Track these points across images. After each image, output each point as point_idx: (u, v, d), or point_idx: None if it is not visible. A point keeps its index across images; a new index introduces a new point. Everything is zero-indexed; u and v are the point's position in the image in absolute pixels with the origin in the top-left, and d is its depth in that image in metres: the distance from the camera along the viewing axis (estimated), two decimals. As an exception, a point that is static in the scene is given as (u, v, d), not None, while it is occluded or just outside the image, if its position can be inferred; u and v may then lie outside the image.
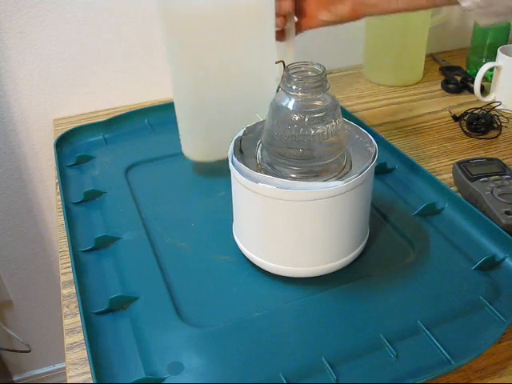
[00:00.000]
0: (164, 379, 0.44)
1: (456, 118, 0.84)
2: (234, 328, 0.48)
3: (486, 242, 0.56)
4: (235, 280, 0.54)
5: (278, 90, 0.49)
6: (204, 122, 0.66)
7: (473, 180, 0.63)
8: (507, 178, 0.63)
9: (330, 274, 0.52)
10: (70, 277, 0.55)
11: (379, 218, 0.60)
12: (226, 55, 0.61)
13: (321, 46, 1.02)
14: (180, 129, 0.69)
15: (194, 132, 0.68)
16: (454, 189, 0.65)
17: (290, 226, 0.49)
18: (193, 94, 0.65)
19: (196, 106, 0.65)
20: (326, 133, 0.46)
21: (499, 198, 0.60)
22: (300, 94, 0.46)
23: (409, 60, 0.97)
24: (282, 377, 0.43)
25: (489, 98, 0.88)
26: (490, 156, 0.75)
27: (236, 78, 0.61)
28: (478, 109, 0.85)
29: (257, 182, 0.47)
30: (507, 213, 0.58)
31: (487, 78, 0.92)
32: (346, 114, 0.80)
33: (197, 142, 0.69)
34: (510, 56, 0.85)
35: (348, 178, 0.47)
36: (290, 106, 0.46)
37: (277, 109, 0.47)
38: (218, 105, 0.60)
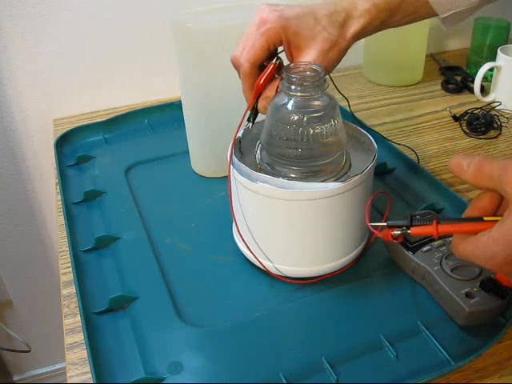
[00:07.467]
0: (164, 379, 0.44)
1: (456, 118, 0.84)
2: (233, 328, 0.48)
3: (486, 242, 0.56)
4: (235, 280, 0.54)
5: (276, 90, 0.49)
6: (213, 138, 0.67)
7: (414, 250, 0.50)
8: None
9: (330, 273, 0.52)
10: (70, 277, 0.55)
11: (379, 218, 0.60)
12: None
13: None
14: (190, 145, 0.71)
15: (203, 148, 0.69)
16: (453, 189, 0.65)
17: (289, 226, 0.49)
18: (202, 110, 0.66)
19: (205, 121, 0.67)
20: (324, 132, 0.46)
21: (453, 274, 0.47)
22: (299, 94, 0.46)
23: (409, 60, 0.97)
24: (282, 377, 0.43)
25: (489, 98, 0.88)
26: (490, 155, 0.75)
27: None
28: (477, 109, 0.85)
29: (256, 181, 0.47)
30: (468, 295, 0.45)
31: (487, 78, 0.92)
32: (346, 114, 0.80)
33: (206, 158, 0.70)
34: (510, 56, 0.85)
35: (347, 178, 0.47)
36: (289, 106, 0.46)
37: (276, 109, 0.47)
38: (228, 121, 0.61)
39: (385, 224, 0.40)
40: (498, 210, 0.36)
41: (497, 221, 0.34)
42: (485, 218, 0.36)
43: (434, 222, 0.37)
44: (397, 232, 0.39)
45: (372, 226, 0.40)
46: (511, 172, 0.33)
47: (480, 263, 0.35)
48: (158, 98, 0.95)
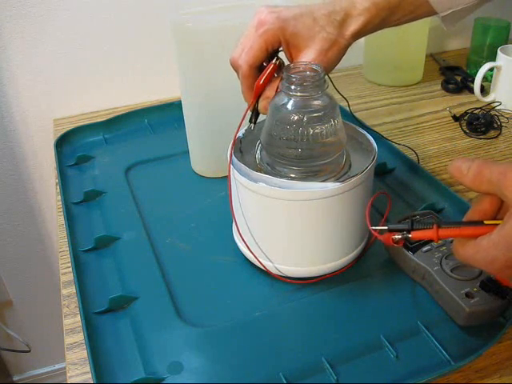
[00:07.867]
0: (164, 379, 0.44)
1: (456, 118, 0.84)
2: (233, 328, 0.48)
3: (486, 242, 0.56)
4: (235, 280, 0.54)
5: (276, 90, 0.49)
6: (213, 138, 0.67)
7: (414, 250, 0.50)
8: (452, 241, 0.47)
9: (330, 273, 0.52)
10: (70, 277, 0.55)
11: (379, 218, 0.60)
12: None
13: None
14: (190, 145, 0.71)
15: (203, 148, 0.69)
16: (453, 189, 0.65)
17: (289, 226, 0.49)
18: (202, 110, 0.66)
19: (205, 121, 0.67)
20: (324, 132, 0.46)
21: (453, 274, 0.47)
22: (299, 94, 0.46)
23: (409, 60, 0.97)
24: (282, 377, 0.43)
25: (489, 98, 0.88)
26: (490, 156, 0.75)
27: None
28: (477, 109, 0.85)
29: (256, 181, 0.47)
30: (468, 295, 0.45)
31: (487, 78, 0.92)
32: (346, 114, 0.80)
33: (206, 158, 0.70)
34: (510, 56, 0.85)
35: (347, 179, 0.47)
36: (289, 106, 0.46)
37: (276, 109, 0.47)
38: (228, 121, 0.61)
39: (386, 228, 0.40)
40: (498, 213, 0.36)
41: (497, 224, 0.34)
42: (485, 222, 0.36)
43: (435, 226, 0.37)
44: (397, 236, 0.39)
45: (373, 229, 0.40)
46: (510, 177, 0.33)
47: (480, 267, 0.35)
48: (158, 98, 0.95)
